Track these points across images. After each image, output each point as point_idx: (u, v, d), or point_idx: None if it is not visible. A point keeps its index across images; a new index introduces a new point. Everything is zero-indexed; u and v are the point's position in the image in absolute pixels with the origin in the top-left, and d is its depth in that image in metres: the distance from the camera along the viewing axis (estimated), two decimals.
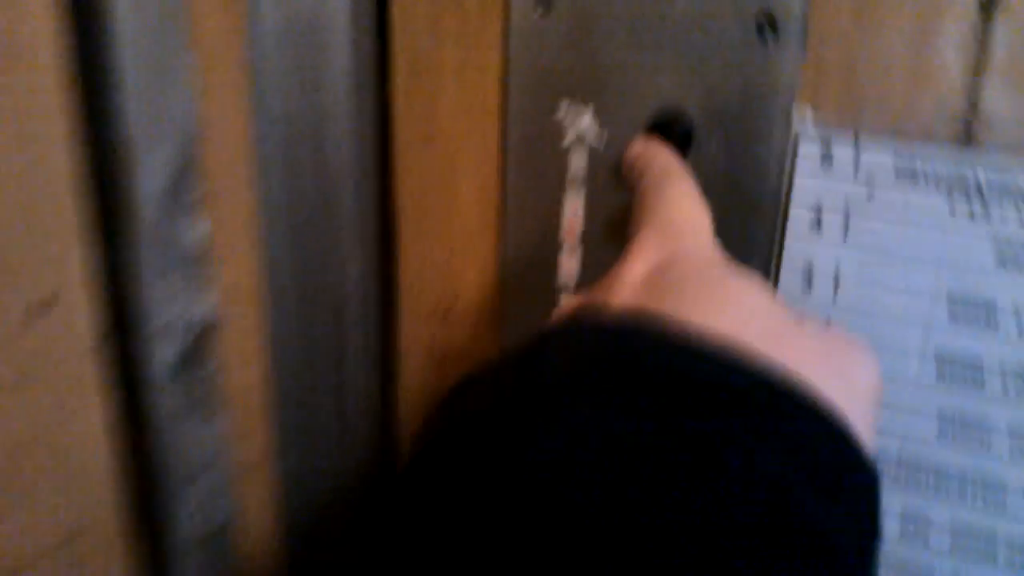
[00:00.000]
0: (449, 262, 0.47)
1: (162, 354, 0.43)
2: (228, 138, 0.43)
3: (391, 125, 0.45)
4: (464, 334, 0.48)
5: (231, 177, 0.43)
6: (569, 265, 0.44)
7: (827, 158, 0.38)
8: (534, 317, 0.46)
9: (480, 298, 0.47)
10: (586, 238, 0.43)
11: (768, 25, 0.37)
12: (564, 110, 0.42)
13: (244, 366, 0.46)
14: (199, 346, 0.44)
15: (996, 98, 0.35)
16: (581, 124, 0.42)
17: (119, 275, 0.41)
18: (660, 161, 0.36)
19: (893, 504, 0.42)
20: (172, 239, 0.42)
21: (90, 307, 0.39)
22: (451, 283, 0.47)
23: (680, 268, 0.28)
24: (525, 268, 0.45)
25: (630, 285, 0.28)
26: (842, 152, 0.38)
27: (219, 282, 0.44)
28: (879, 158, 0.38)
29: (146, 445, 0.44)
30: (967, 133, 0.36)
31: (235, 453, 0.47)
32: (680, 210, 0.33)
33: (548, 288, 0.45)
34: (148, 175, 0.40)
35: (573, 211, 0.43)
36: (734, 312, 0.26)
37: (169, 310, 0.42)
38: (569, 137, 0.42)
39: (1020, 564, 0.40)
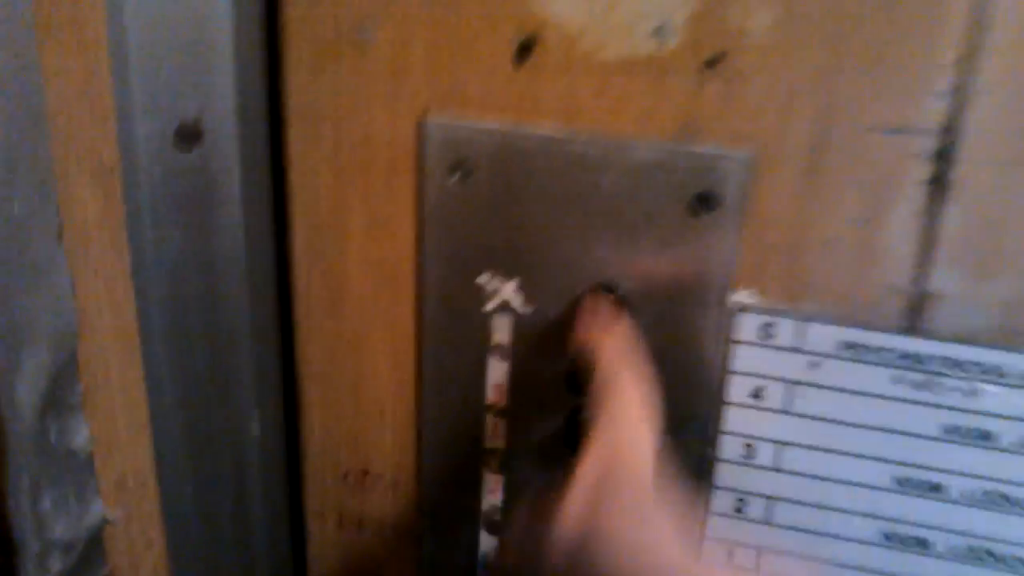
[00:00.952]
0: (360, 428, 0.43)
1: (50, 572, 0.38)
2: (108, 324, 0.38)
3: (293, 289, 0.42)
4: (380, 502, 0.45)
5: (114, 366, 0.39)
6: (495, 432, 0.42)
7: (768, 332, 0.37)
8: (457, 485, 0.43)
9: (396, 465, 0.44)
10: (513, 410, 0.41)
11: (704, 203, 0.36)
12: (486, 278, 0.39)
13: (139, 563, 0.42)
14: (88, 556, 0.39)
15: (944, 280, 0.35)
16: (504, 292, 0.39)
17: None
18: (609, 358, 0.34)
19: None
20: (53, 448, 0.37)
21: None
22: (363, 449, 0.44)
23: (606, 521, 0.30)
24: (446, 435, 0.42)
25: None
26: (784, 326, 0.37)
27: (106, 482, 0.39)
28: (822, 333, 0.37)
29: None
30: (913, 314, 0.36)
31: None
32: (621, 435, 0.32)
33: (472, 455, 0.42)
34: (21, 384, 0.35)
35: (497, 378, 0.41)
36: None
37: (54, 524, 0.38)
38: (492, 304, 0.39)
39: None
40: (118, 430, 0.39)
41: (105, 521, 0.39)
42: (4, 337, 0.34)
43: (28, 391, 0.35)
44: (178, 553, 0.43)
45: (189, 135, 0.40)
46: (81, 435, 0.37)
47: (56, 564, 0.37)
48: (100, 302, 0.38)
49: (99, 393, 0.38)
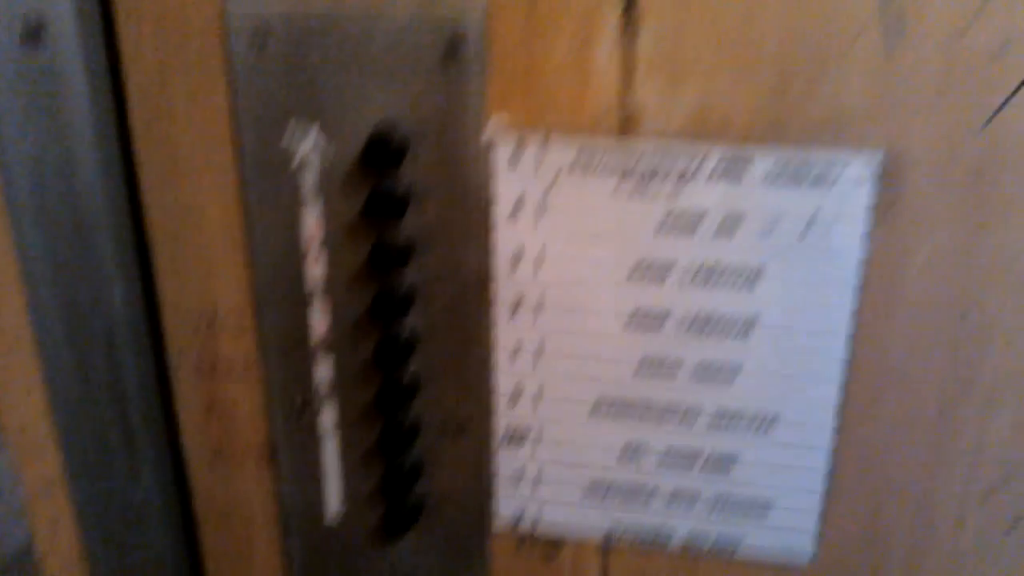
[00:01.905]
0: (206, 279, 0.51)
1: None
2: None
3: (137, 166, 0.49)
4: (227, 340, 0.53)
5: None
6: (314, 271, 0.50)
7: (518, 156, 0.46)
8: (288, 319, 0.51)
9: (237, 307, 0.52)
10: (327, 243, 0.49)
11: (454, 48, 0.44)
12: (291, 134, 0.47)
13: (22, 397, 0.49)
14: None
15: (644, 94, 0.43)
16: (307, 144, 0.47)
17: None
18: None
19: (615, 435, 0.50)
20: None
21: None
22: (210, 297, 0.52)
23: None
24: (274, 277, 0.50)
25: None
26: (530, 150, 0.45)
27: None
28: (560, 153, 0.45)
29: None
30: (626, 125, 0.44)
31: (27, 478, 0.50)
32: None
33: (298, 292, 0.50)
34: None
35: (310, 222, 0.49)
36: None
37: None
38: (298, 157, 0.48)
39: (712, 467, 0.50)
40: None
41: None
42: None
43: None
44: (57, 400, 0.51)
45: (34, 32, 0.48)
46: None
47: None
48: None
49: None
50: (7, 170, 0.47)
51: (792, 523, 0.50)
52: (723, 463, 0.49)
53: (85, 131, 0.49)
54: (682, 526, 0.51)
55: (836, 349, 0.46)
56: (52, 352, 0.52)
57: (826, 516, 0.50)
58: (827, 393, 0.47)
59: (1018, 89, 0.41)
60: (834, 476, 0.49)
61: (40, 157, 0.49)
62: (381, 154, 0.46)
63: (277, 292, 0.51)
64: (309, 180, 0.48)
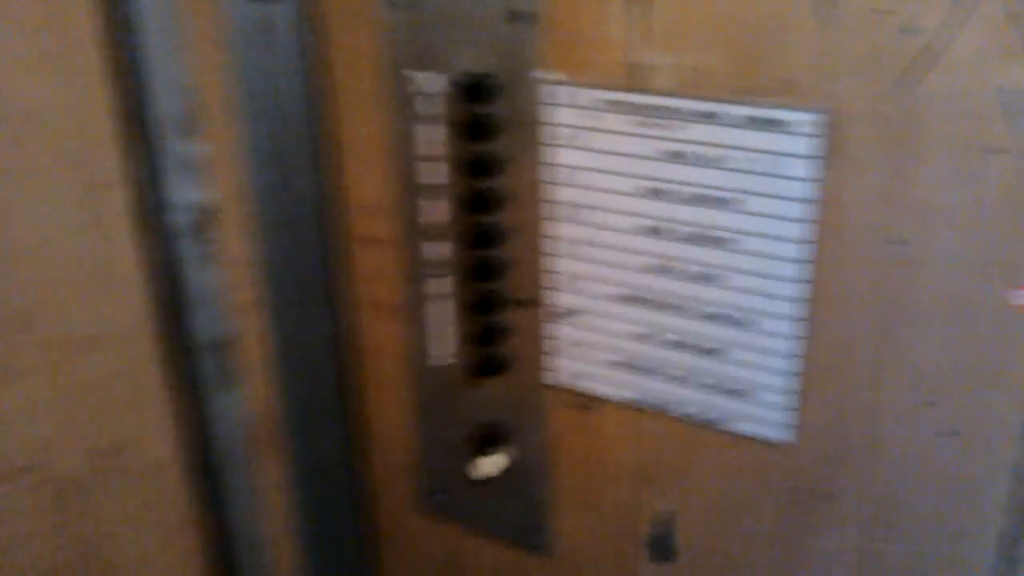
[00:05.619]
0: (363, 175, 0.72)
1: (181, 222, 0.68)
2: (217, 98, 0.69)
3: (325, 97, 0.71)
4: (375, 222, 0.73)
5: (221, 124, 0.69)
6: (433, 175, 0.69)
7: (567, 96, 0.62)
8: (416, 210, 0.70)
9: (380, 198, 0.72)
10: (439, 156, 0.68)
11: (514, 16, 0.61)
12: (414, 75, 0.66)
13: (237, 240, 0.72)
14: (204, 221, 0.69)
15: (654, 56, 0.58)
16: (419, 80, 0.66)
17: (152, 173, 0.67)
18: None
19: (636, 321, 0.65)
20: (183, 152, 0.67)
21: (131, 191, 0.66)
22: (366, 189, 0.72)
23: None
24: (405, 178, 0.70)
25: None
26: (573, 92, 0.62)
27: (214, 185, 0.69)
28: (595, 95, 0.61)
29: (174, 277, 0.69)
30: (640, 79, 0.59)
31: (235, 295, 0.73)
32: None
33: (422, 191, 0.70)
34: (166, 108, 0.66)
35: (428, 139, 0.68)
36: None
37: (182, 196, 0.68)
38: (412, 88, 0.66)
39: (705, 355, 0.64)
40: (223, 160, 0.69)
41: (213, 207, 0.69)
42: (158, 79, 0.65)
43: (169, 111, 0.66)
44: (266, 245, 0.74)
45: None
46: (199, 150, 0.67)
47: (184, 218, 0.67)
48: (209, 84, 0.68)
49: (211, 136, 0.68)
50: (239, 91, 0.69)
51: (771, 410, 0.63)
52: (713, 354, 0.63)
53: (289, 67, 0.71)
54: (687, 401, 0.66)
55: (793, 271, 0.59)
56: (264, 213, 0.73)
57: (799, 407, 0.62)
58: (789, 307, 0.60)
59: (930, 63, 0.52)
60: (802, 375, 0.61)
61: (253, 82, 0.71)
62: (471, 92, 0.64)
63: (407, 190, 0.70)
64: (427, 109, 0.67)
